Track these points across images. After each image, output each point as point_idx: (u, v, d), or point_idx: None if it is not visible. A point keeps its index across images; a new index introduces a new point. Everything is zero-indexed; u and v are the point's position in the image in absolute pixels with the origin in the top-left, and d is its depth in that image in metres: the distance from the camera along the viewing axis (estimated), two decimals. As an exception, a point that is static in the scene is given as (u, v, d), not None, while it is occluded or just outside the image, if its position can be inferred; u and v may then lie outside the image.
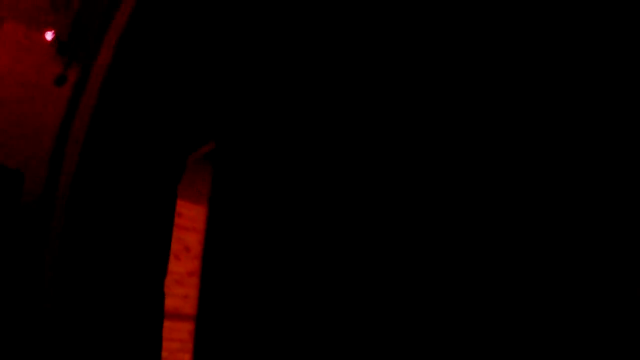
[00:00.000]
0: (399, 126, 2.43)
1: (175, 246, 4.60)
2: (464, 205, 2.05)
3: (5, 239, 2.90)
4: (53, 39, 3.57)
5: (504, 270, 1.85)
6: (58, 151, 3.66)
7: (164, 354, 4.10)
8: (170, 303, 4.48)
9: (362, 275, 2.40)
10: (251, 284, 3.35)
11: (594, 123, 1.69)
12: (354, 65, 2.84)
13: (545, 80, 1.88)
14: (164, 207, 4.26)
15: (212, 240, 4.21)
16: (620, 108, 1.62)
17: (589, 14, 1.78)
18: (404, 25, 2.54)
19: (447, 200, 2.12)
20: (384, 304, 2.25)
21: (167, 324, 4.34)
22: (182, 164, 4.70)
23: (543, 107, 1.86)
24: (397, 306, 2.19)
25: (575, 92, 1.77)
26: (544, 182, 1.79)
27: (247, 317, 3.25)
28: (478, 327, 1.87)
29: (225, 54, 4.23)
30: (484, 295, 1.88)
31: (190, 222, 4.73)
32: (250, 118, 3.92)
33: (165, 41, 4.43)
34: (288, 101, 3.43)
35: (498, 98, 2.03)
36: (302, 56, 3.36)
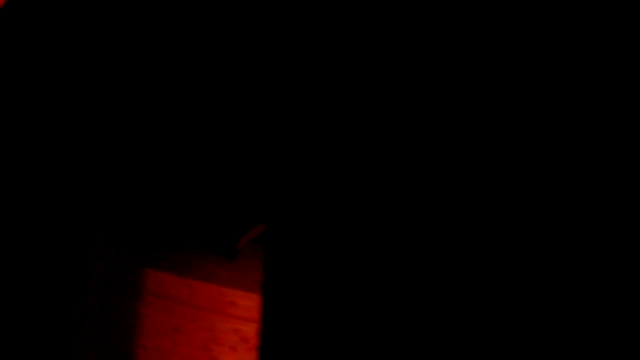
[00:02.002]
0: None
1: (231, 337, 4.52)
2: (470, 209, 2.03)
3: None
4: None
5: (505, 271, 1.82)
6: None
7: None
8: (229, 400, 4.32)
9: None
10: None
11: (593, 123, 1.64)
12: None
13: (545, 80, 1.84)
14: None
15: (268, 330, 4.11)
16: (620, 109, 1.58)
17: (588, 14, 1.76)
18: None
19: (449, 201, 2.09)
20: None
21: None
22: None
23: (543, 108, 1.82)
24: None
25: (574, 93, 1.72)
26: (544, 183, 1.76)
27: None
28: (479, 327, 1.83)
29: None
30: (485, 295, 1.85)
31: (246, 312, 4.65)
32: (299, 198, 3.91)
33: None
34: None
35: (498, 99, 2.01)
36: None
